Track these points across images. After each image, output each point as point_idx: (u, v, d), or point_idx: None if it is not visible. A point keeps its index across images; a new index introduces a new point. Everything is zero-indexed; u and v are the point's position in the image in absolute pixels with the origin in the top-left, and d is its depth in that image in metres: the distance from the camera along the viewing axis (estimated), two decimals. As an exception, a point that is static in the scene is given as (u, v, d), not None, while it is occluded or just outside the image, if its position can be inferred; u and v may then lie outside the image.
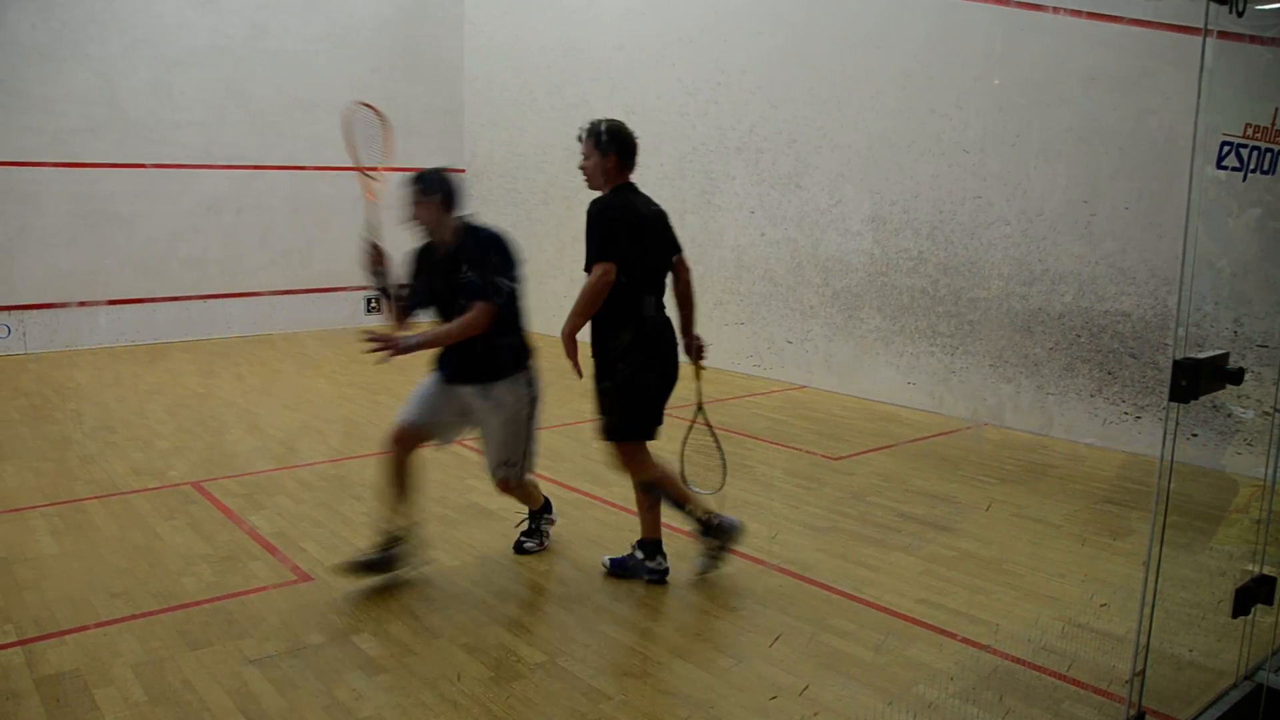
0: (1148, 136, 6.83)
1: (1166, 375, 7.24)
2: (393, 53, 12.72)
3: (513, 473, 4.62)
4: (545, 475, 6.22)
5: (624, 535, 5.20)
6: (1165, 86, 6.74)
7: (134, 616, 4.16)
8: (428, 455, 6.64)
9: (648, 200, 4.73)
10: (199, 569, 4.68)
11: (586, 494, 5.91)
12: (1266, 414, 6.19)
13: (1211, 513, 5.33)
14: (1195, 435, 6.57)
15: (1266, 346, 6.08)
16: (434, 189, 4.45)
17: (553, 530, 5.15)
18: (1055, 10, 7.21)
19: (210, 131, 11.40)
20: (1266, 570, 3.51)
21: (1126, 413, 7.05)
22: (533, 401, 4.73)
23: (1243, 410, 6.48)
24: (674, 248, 4.78)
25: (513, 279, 4.49)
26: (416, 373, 9.87)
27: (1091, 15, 7.06)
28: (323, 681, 3.61)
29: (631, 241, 4.44)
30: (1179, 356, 2.78)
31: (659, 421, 4.71)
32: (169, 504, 5.63)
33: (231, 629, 4.04)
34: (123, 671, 3.68)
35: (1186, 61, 6.64)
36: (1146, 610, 2.90)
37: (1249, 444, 6.35)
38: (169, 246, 11.25)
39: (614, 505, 5.69)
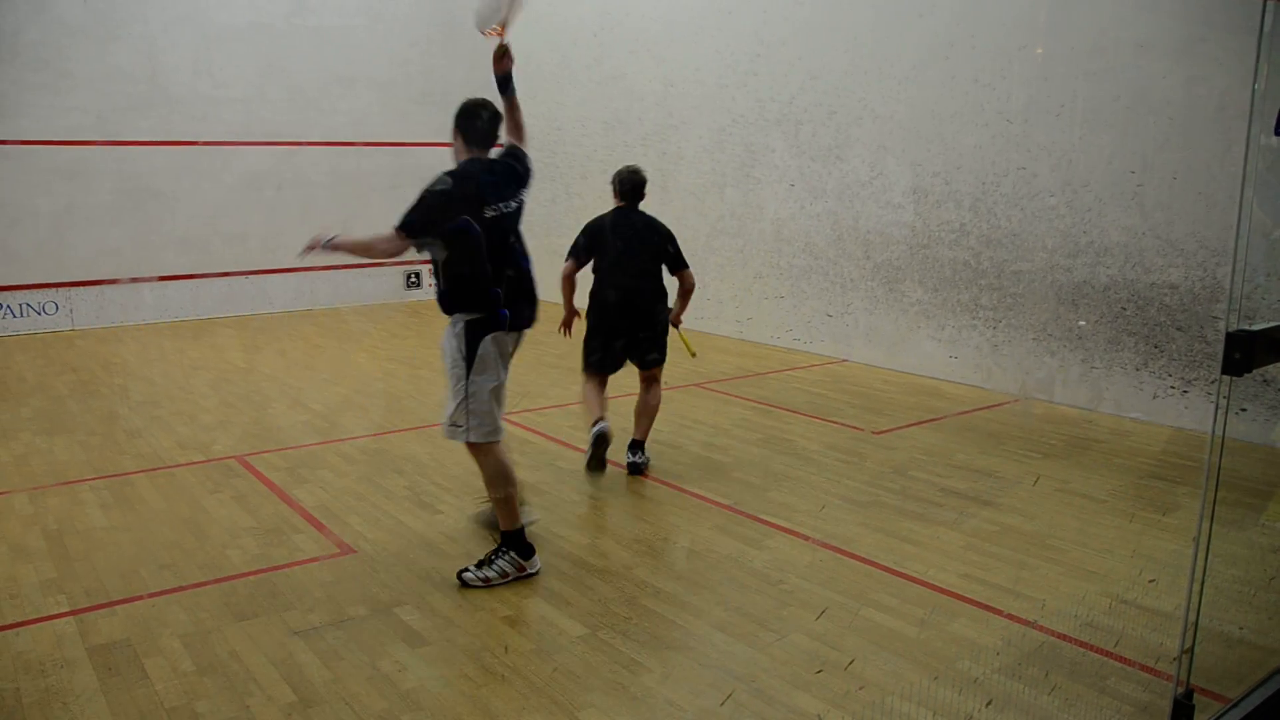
0: (1197, 105, 6.69)
1: (1214, 349, 7.16)
2: (431, 26, 12.72)
3: (454, 433, 4.34)
4: (586, 449, 6.24)
5: (664, 509, 5.21)
6: (1216, 53, 6.58)
7: (181, 588, 4.22)
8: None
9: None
10: (244, 542, 4.74)
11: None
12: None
13: (1262, 489, 5.26)
14: (1244, 410, 6.46)
15: (1320, 319, 5.96)
16: (457, 119, 4.45)
17: (593, 503, 5.14)
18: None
19: (251, 108, 11.47)
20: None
21: (1173, 387, 6.94)
22: (466, 360, 4.34)
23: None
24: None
25: (416, 220, 4.15)
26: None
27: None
28: (367, 653, 3.64)
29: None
30: (1232, 329, 2.72)
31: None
32: (214, 477, 5.71)
33: (276, 601, 4.09)
34: (171, 642, 3.73)
35: (1239, 25, 6.49)
36: (1195, 587, 2.86)
37: (1300, 418, 6.23)
38: (211, 223, 11.37)
39: (653, 479, 5.68)
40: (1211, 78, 6.61)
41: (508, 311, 4.42)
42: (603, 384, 5.91)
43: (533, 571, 4.32)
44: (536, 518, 4.91)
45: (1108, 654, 3.66)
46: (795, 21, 9.40)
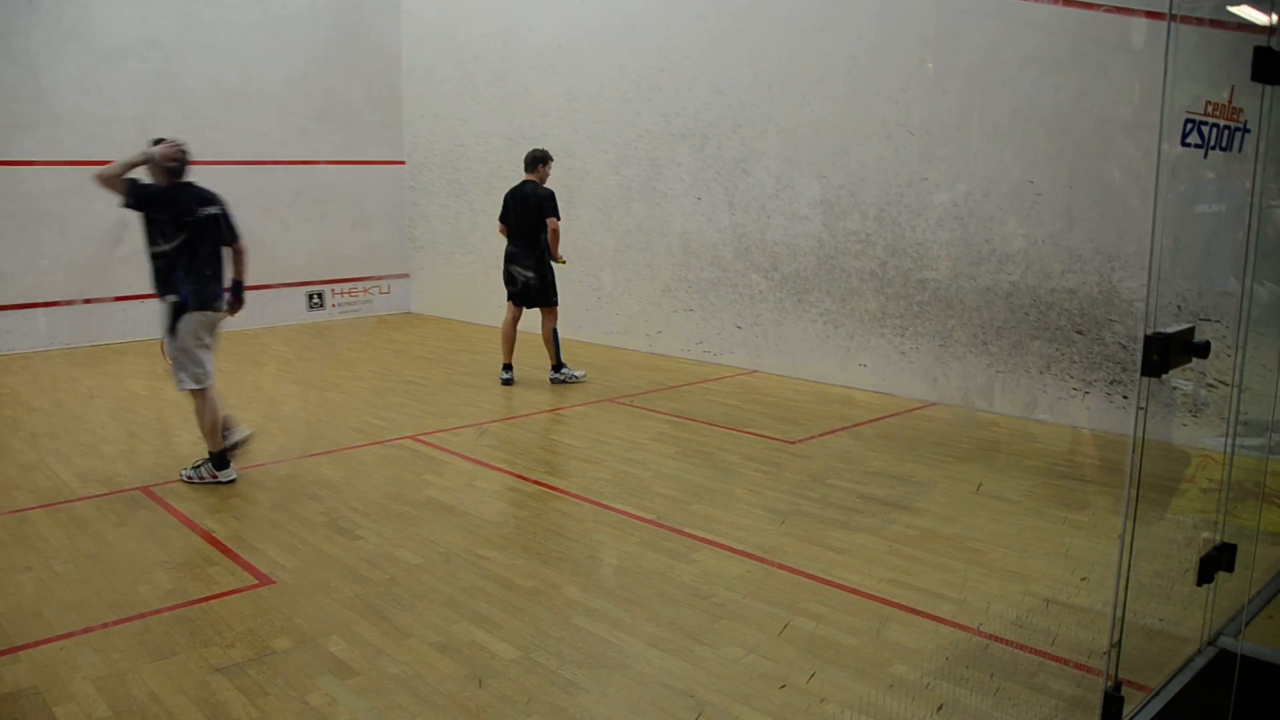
0: (1085, 117, 6.93)
1: (1112, 351, 7.40)
2: (329, 42, 12.50)
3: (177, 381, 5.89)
4: (503, 468, 6.18)
5: (587, 526, 5.17)
6: (1099, 68, 6.85)
7: (91, 629, 4.03)
8: (383, 453, 6.59)
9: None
10: (155, 576, 4.56)
11: (547, 485, 5.86)
12: (1210, 386, 6.33)
13: (1165, 484, 5.43)
14: (1142, 408, 6.68)
15: (1209, 320, 6.22)
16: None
17: (516, 522, 5.09)
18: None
19: (144, 126, 11.06)
20: (1225, 539, 3.58)
21: (1075, 388, 7.16)
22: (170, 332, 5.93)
23: (1185, 383, 6.61)
24: None
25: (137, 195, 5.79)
26: (364, 369, 9.77)
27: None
28: (294, 688, 3.53)
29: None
30: (1149, 331, 2.81)
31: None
32: (119, 510, 5.48)
33: (195, 637, 3.94)
34: (83, 686, 3.56)
35: (1115, 42, 6.77)
36: (1121, 583, 2.94)
37: (1193, 415, 6.48)
38: (108, 246, 10.94)
39: (575, 496, 5.65)
40: (1095, 91, 6.87)
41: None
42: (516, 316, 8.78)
43: (225, 480, 5.89)
44: (249, 433, 6.23)
45: (1035, 651, 3.75)
46: (698, 37, 9.49)
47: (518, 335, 8.85)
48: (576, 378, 8.82)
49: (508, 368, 8.86)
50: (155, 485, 5.92)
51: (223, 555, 4.81)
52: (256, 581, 4.50)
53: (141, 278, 11.01)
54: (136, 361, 10.04)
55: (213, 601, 4.28)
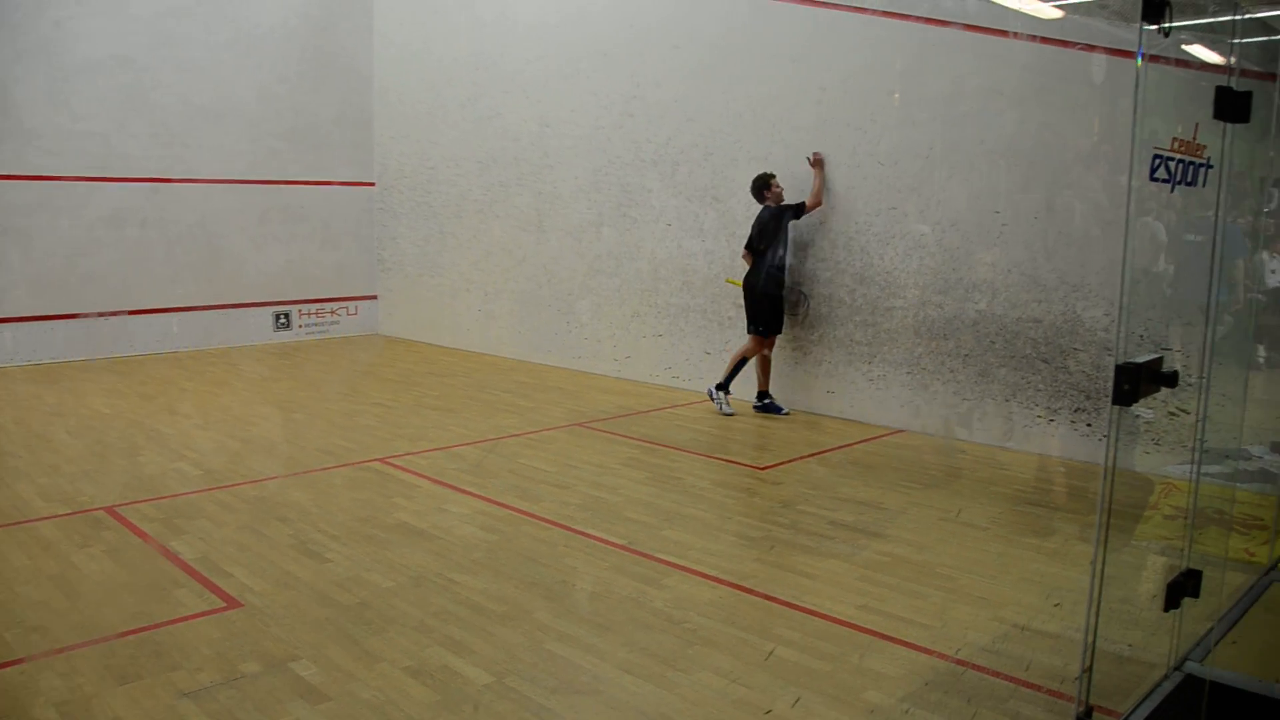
0: (1050, 149, 7.06)
1: (1076, 379, 7.50)
2: (301, 62, 12.48)
3: None
4: (474, 492, 6.16)
5: (558, 551, 5.16)
6: (1062, 101, 6.99)
7: (54, 652, 3.97)
8: (351, 475, 6.55)
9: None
10: (121, 599, 4.50)
11: (518, 509, 5.85)
12: (1172, 414, 6.44)
13: (1130, 510, 5.51)
14: (1104, 437, 6.78)
15: (1170, 349, 6.32)
16: None
17: (487, 546, 5.08)
18: (964, 27, 7.41)
19: (111, 142, 11.02)
20: (1191, 565, 3.64)
21: (1040, 416, 7.25)
22: None
23: (1147, 411, 6.72)
24: None
25: None
26: (332, 390, 9.72)
27: (993, 32, 7.28)
28: (263, 713, 3.49)
29: None
30: (1121, 361, 2.86)
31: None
32: (82, 531, 5.41)
33: (161, 661, 3.89)
34: (46, 712, 3.50)
35: (1077, 77, 6.91)
36: (1093, 609, 2.98)
37: (1156, 443, 6.58)
38: (68, 261, 10.84)
39: (546, 520, 5.64)
40: (1059, 124, 7.01)
41: None
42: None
43: None
44: None
45: (1009, 678, 3.78)
46: (670, 65, 9.57)
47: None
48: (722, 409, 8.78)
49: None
50: (120, 505, 5.85)
51: (189, 577, 4.76)
52: (224, 604, 4.45)
53: (103, 294, 11.04)
54: (99, 379, 9.92)
55: (179, 624, 4.23)
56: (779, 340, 8.75)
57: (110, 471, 6.61)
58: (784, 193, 8.47)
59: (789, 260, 8.51)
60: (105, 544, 5.21)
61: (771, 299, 8.48)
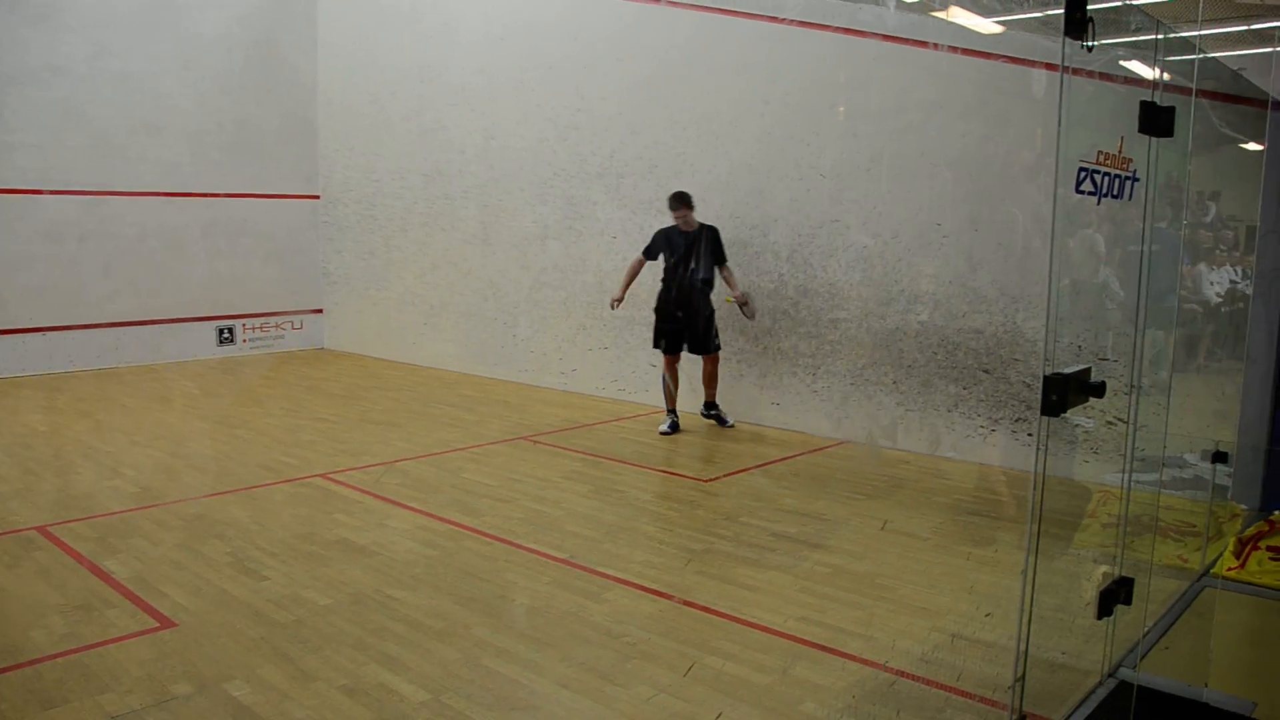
0: (990, 161, 7.16)
1: (1017, 389, 7.57)
2: (243, 74, 12.33)
3: None
4: (415, 507, 6.10)
5: (499, 565, 5.12)
6: (1001, 114, 7.09)
7: (-23, 676, 3.87)
8: (292, 491, 6.46)
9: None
10: (49, 620, 4.38)
11: (459, 524, 5.79)
12: (1109, 424, 6.53)
13: (1067, 519, 5.58)
14: (1042, 448, 6.86)
15: (1107, 360, 6.41)
16: None
17: (427, 561, 5.02)
18: (907, 41, 7.50)
19: (48, 155, 10.80)
20: (1124, 573, 3.68)
21: (981, 426, 7.33)
22: None
23: (1088, 421, 6.81)
24: None
25: None
26: (275, 405, 9.59)
27: (934, 46, 7.37)
28: (192, 734, 3.42)
29: None
30: (1049, 372, 2.89)
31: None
32: (12, 551, 5.27)
33: (90, 684, 3.79)
34: (-33, 736, 3.41)
35: (1016, 90, 7.02)
36: (1025, 618, 3.00)
37: (1094, 452, 6.68)
38: (4, 276, 10.60)
39: (487, 535, 5.59)
40: (999, 137, 7.11)
41: None
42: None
43: None
44: None
45: (943, 686, 3.80)
46: (615, 78, 9.58)
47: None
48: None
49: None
50: (52, 525, 5.71)
51: (122, 597, 4.65)
52: (157, 624, 4.35)
53: (39, 309, 10.81)
54: (34, 396, 9.70)
55: (110, 646, 4.13)
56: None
57: (43, 490, 6.46)
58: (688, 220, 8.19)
59: (700, 278, 8.18)
60: (35, 564, 5.09)
61: (671, 319, 8.31)
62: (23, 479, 6.71)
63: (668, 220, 8.41)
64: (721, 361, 8.85)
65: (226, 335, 12.52)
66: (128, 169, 11.41)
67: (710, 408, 8.64)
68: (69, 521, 5.80)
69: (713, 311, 8.33)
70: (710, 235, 8.19)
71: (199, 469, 7.10)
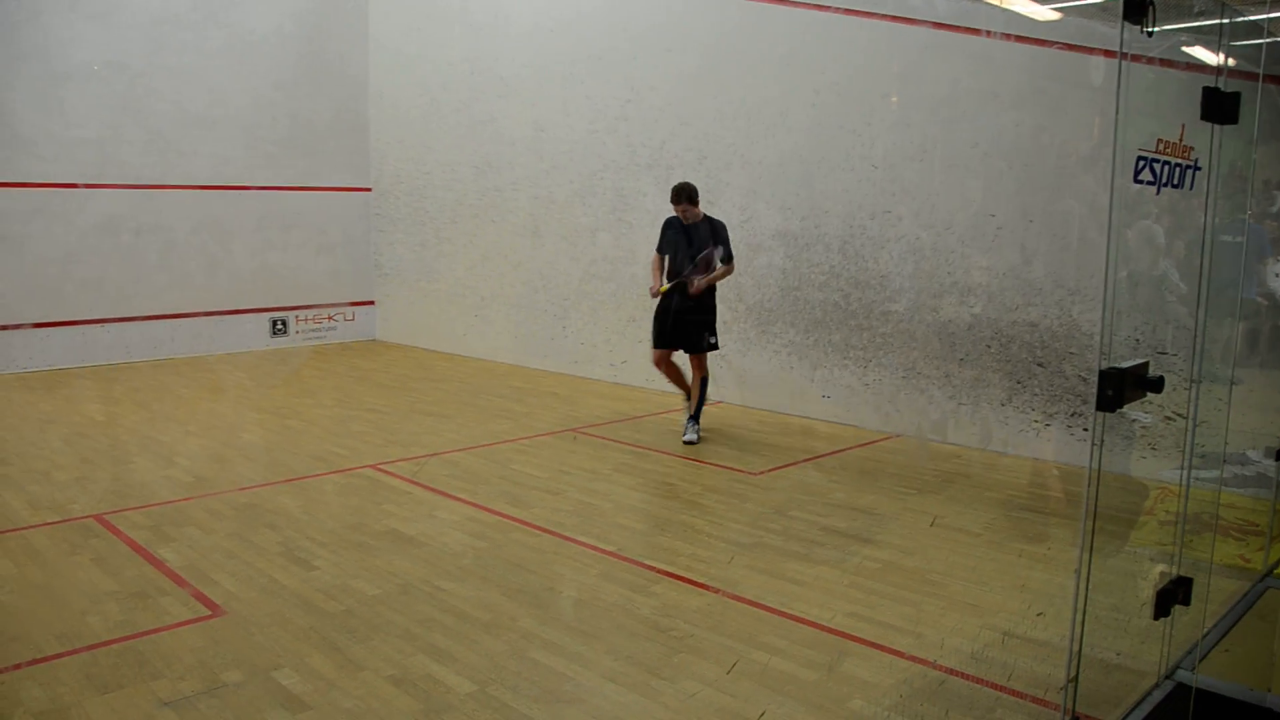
0: (1045, 152, 7.03)
1: (1073, 384, 7.44)
2: (296, 68, 12.46)
3: None
4: (464, 498, 6.13)
5: (546, 557, 5.13)
6: (1057, 103, 6.95)
7: (36, 661, 3.94)
8: (342, 482, 6.52)
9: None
10: (105, 607, 4.46)
11: (508, 516, 5.81)
12: (1169, 419, 6.39)
13: (1124, 516, 5.47)
14: (1097, 445, 6.73)
15: (1166, 354, 6.28)
16: None
17: (475, 553, 5.04)
18: (960, 29, 7.38)
19: (106, 149, 11.00)
20: (1182, 572, 3.59)
21: (1036, 420, 7.21)
22: None
23: (1146, 415, 6.67)
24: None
25: None
26: (326, 396, 9.68)
27: (990, 34, 7.24)
28: (243, 722, 3.46)
29: None
30: (1104, 366, 2.82)
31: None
32: (70, 539, 5.38)
33: (143, 669, 3.85)
34: (25, 720, 3.48)
35: (1073, 79, 6.88)
36: (1078, 618, 2.94)
37: (1152, 448, 6.54)
38: (63, 269, 10.83)
39: (535, 527, 5.60)
40: (1054, 126, 6.97)
41: None
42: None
43: None
44: None
45: (995, 685, 3.74)
46: (665, 68, 9.54)
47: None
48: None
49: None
50: (109, 513, 5.81)
51: (176, 585, 4.72)
52: (209, 612, 4.41)
53: (97, 301, 11.02)
54: (91, 387, 9.90)
55: (163, 633, 4.20)
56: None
57: (101, 479, 6.58)
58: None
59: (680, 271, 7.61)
60: (93, 552, 5.18)
61: (662, 311, 7.70)
62: (80, 468, 6.84)
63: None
64: (772, 354, 8.80)
65: (280, 327, 12.67)
66: (182, 163, 11.58)
67: (691, 420, 7.83)
68: (125, 510, 5.90)
69: (709, 307, 7.68)
70: (711, 228, 7.60)
71: (251, 459, 7.19)
